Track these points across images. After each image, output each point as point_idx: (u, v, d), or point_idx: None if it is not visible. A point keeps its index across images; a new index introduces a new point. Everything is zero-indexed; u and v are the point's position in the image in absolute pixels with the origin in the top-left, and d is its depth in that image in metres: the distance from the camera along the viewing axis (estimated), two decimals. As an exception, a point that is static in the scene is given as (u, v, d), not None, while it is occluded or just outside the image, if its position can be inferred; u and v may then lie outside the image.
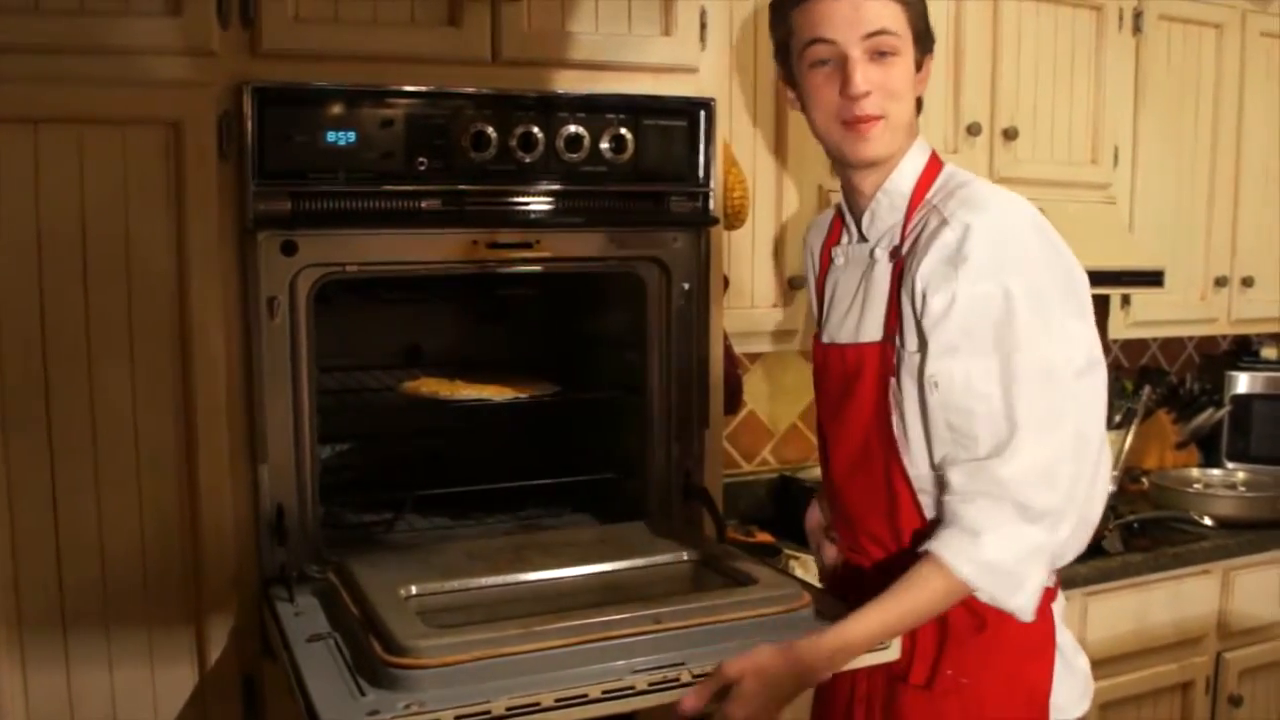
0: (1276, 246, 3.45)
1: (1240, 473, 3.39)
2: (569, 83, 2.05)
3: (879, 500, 1.72)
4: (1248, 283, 3.36)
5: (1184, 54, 3.21)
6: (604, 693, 1.51)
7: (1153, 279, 3.05)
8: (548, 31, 2.03)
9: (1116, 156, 3.12)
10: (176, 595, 1.88)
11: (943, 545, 1.56)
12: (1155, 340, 3.72)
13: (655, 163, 2.10)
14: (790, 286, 2.70)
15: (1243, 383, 3.54)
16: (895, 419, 1.67)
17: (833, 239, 1.86)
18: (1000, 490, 1.54)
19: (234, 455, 1.88)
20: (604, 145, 2.05)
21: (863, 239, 1.77)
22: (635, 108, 2.07)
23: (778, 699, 1.56)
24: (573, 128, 2.02)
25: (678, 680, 1.54)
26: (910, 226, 1.68)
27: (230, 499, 1.89)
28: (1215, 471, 3.43)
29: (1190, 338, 3.78)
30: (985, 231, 1.58)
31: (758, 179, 2.62)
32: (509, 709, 1.45)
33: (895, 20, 1.63)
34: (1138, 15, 3.09)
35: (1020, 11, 2.91)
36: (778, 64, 1.77)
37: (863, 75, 1.61)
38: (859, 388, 1.71)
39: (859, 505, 1.77)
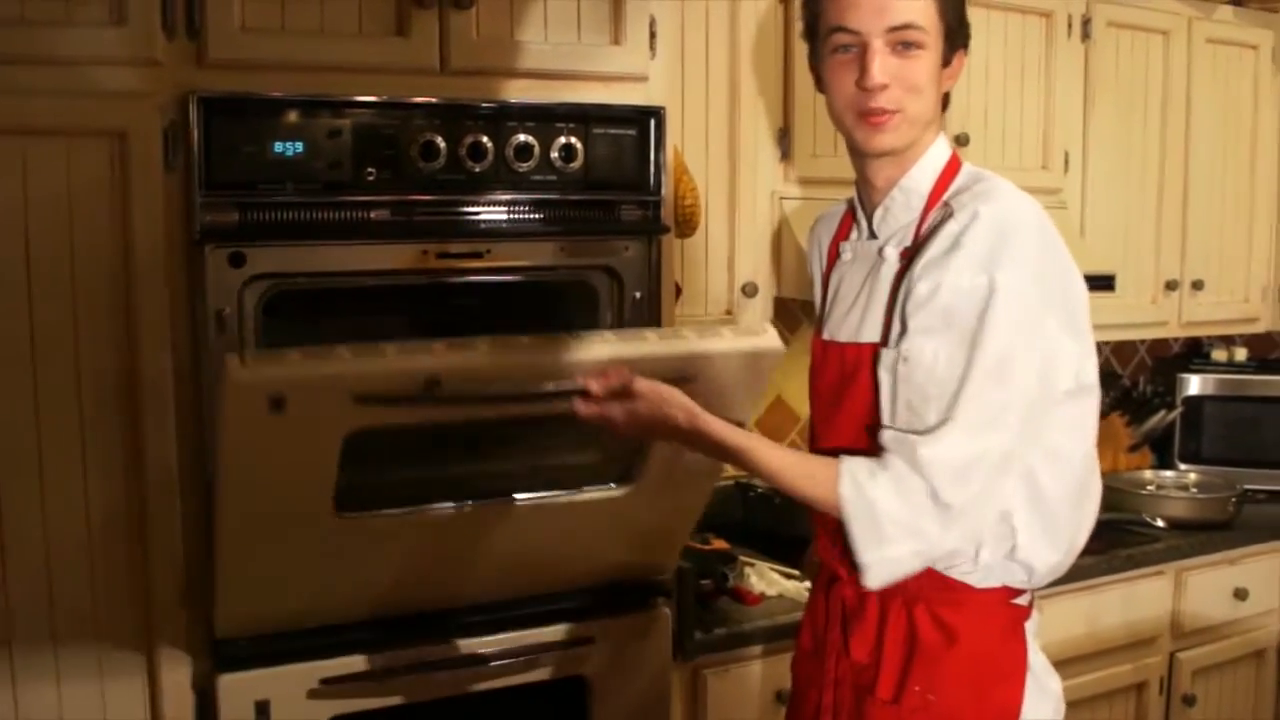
0: (1225, 249, 3.50)
1: (1192, 474, 3.43)
2: (518, 92, 2.05)
3: None
4: (1198, 286, 3.40)
5: (1132, 60, 3.25)
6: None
7: (1104, 283, 3.08)
8: (496, 41, 2.03)
9: (1067, 162, 3.15)
10: (125, 610, 1.87)
11: (851, 460, 1.58)
12: (1108, 344, 3.75)
13: (606, 171, 2.11)
14: (744, 293, 2.71)
15: (1194, 385, 3.58)
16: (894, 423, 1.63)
17: (842, 234, 1.82)
18: (915, 466, 1.54)
19: (183, 468, 1.87)
20: (554, 154, 2.05)
21: (872, 235, 1.73)
22: (585, 116, 2.08)
23: (650, 430, 1.66)
24: (522, 137, 2.02)
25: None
26: (925, 226, 1.64)
27: (179, 511, 1.87)
28: (1168, 473, 3.47)
29: (1142, 341, 3.82)
30: (988, 223, 1.55)
31: (710, 186, 2.63)
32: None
33: (924, 14, 1.59)
34: (1086, 22, 3.12)
35: (971, 17, 2.92)
36: (806, 44, 1.73)
37: (881, 67, 1.58)
38: (854, 389, 1.67)
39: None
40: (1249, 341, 3.84)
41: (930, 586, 1.67)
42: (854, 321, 1.71)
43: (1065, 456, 1.63)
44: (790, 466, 1.63)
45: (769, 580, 2.61)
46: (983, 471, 1.54)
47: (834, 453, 1.64)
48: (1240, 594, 3.11)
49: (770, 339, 1.85)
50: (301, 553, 1.83)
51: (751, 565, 2.66)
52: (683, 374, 1.74)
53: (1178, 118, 3.33)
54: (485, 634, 2.04)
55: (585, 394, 1.64)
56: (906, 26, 1.58)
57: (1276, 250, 3.60)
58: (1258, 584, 3.16)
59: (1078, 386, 1.61)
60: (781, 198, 2.73)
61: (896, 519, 1.55)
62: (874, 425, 1.63)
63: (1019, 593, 1.71)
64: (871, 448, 1.61)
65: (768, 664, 2.41)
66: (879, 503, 1.55)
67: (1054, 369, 1.58)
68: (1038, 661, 1.72)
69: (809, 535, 2.45)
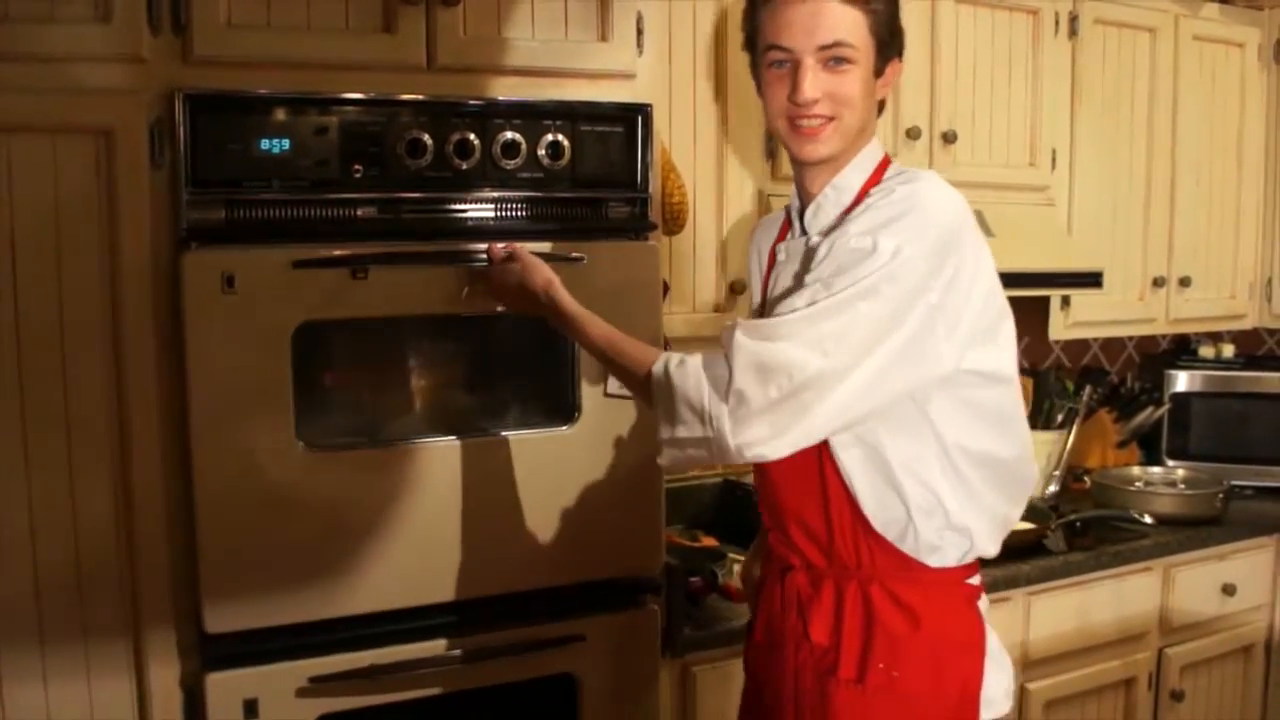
0: (1212, 247, 3.51)
1: (1180, 470, 3.43)
2: (505, 89, 2.05)
3: (811, 488, 1.74)
4: (1185, 283, 3.41)
5: (1119, 57, 3.25)
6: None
7: (1092, 280, 3.09)
8: (483, 38, 2.03)
9: (1054, 159, 3.15)
10: (113, 608, 1.86)
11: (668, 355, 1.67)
12: (1096, 340, 3.77)
13: (593, 169, 2.11)
14: (733, 291, 2.71)
15: (1182, 381, 3.59)
16: None
17: (780, 238, 1.87)
18: (727, 349, 1.59)
19: (168, 465, 1.87)
20: (541, 152, 2.05)
21: (804, 233, 1.78)
22: (572, 114, 2.08)
23: (519, 295, 1.91)
24: (509, 134, 2.02)
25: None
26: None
27: (165, 509, 1.87)
28: (1156, 469, 3.47)
29: (1130, 338, 3.83)
30: (898, 196, 1.60)
31: (698, 184, 2.63)
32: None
33: (854, 30, 1.65)
34: (1073, 19, 3.13)
35: (958, 15, 2.94)
36: (747, 54, 1.79)
37: (812, 83, 1.65)
38: None
39: (790, 494, 1.78)
40: (1236, 338, 3.85)
41: (887, 566, 1.71)
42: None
43: (973, 432, 1.68)
44: (615, 343, 1.76)
45: (757, 577, 2.60)
46: (788, 381, 1.54)
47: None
48: (1228, 589, 3.12)
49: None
50: (275, 501, 1.87)
51: (740, 561, 2.65)
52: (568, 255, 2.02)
53: (1164, 115, 3.34)
54: (474, 631, 2.04)
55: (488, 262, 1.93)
56: (836, 44, 1.64)
57: (1263, 247, 3.61)
58: (1245, 579, 3.16)
59: (963, 371, 1.63)
60: (769, 195, 2.73)
61: (691, 401, 1.60)
62: None
63: (971, 572, 1.77)
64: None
65: (757, 661, 2.41)
66: (679, 384, 1.61)
67: (924, 343, 1.58)
68: (992, 639, 1.77)
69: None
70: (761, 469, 1.82)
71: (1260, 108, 3.55)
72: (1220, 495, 3.15)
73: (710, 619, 2.40)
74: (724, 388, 1.57)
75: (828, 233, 1.68)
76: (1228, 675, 3.19)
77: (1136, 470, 3.45)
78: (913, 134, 2.89)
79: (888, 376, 1.57)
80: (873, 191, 1.68)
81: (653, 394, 1.66)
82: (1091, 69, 3.18)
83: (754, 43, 1.75)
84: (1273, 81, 3.55)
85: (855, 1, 1.65)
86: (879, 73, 1.71)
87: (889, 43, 1.71)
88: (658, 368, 1.65)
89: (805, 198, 1.79)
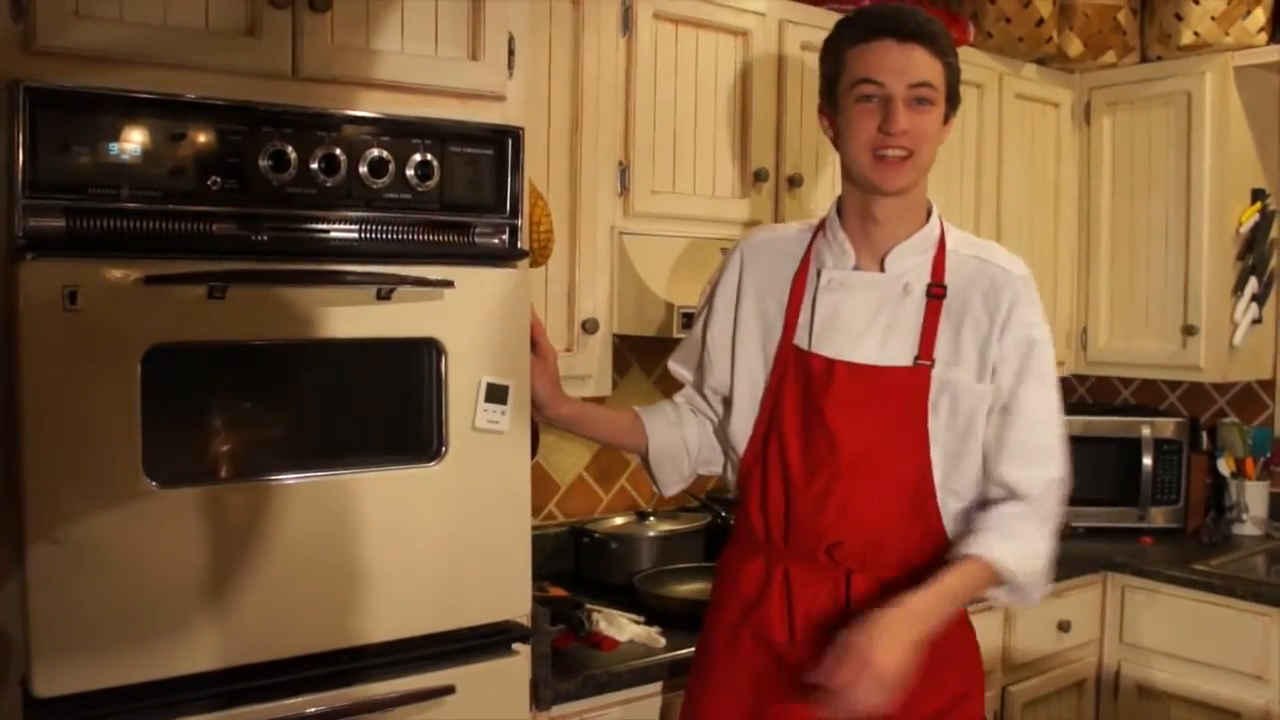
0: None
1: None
2: (373, 103, 1.93)
3: (905, 511, 1.97)
4: (1010, 330, 3.51)
5: (951, 111, 3.35)
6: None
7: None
8: (352, 47, 1.91)
9: (892, 209, 3.20)
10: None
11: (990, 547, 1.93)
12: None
13: (462, 192, 2.01)
14: (584, 330, 2.63)
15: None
16: (934, 436, 1.95)
17: (806, 261, 2.07)
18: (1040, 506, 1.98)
19: None
20: (410, 172, 1.94)
21: (880, 269, 2.01)
22: (442, 134, 1.97)
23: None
24: (377, 151, 1.90)
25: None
26: (947, 269, 1.99)
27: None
28: (988, 512, 3.53)
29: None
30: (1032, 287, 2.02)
31: (553, 218, 2.55)
32: None
33: (936, 75, 1.91)
34: (908, 72, 3.20)
35: (804, 62, 2.97)
36: (821, 95, 2.03)
37: (904, 115, 1.88)
38: (890, 405, 1.95)
39: (877, 519, 1.96)
40: (1052, 386, 3.99)
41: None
42: (872, 345, 1.97)
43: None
44: (958, 591, 1.89)
45: (619, 626, 2.51)
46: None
47: (860, 470, 1.95)
48: (1064, 626, 3.19)
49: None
50: (117, 544, 1.69)
51: (600, 612, 2.56)
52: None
53: (990, 169, 3.46)
54: (337, 686, 1.87)
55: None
56: (924, 85, 1.90)
57: (1077, 298, 3.77)
58: (1078, 616, 3.25)
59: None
60: (621, 233, 2.68)
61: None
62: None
63: None
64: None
65: (627, 710, 2.32)
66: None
67: None
68: None
69: (641, 584, 2.72)
70: (801, 489, 2.00)
71: (1073, 164, 3.72)
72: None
73: (578, 669, 2.29)
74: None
75: (940, 289, 1.98)
76: (1064, 711, 3.26)
77: (971, 513, 3.51)
78: (760, 176, 2.90)
79: None
80: (976, 255, 2.03)
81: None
82: (925, 120, 3.26)
83: (834, 81, 1.97)
84: (1082, 140, 3.73)
85: (938, 53, 1.91)
86: (945, 119, 1.96)
87: (955, 94, 1.97)
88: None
89: (869, 226, 2.01)
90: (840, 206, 2.09)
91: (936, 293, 1.97)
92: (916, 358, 1.95)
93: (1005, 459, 1.95)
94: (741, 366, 2.11)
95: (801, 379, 2.01)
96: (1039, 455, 1.96)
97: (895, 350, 1.96)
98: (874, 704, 1.71)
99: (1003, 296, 1.96)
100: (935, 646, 1.83)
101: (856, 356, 1.97)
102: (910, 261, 2.00)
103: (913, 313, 1.97)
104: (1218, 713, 3.09)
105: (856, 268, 2.02)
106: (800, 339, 2.03)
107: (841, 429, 1.95)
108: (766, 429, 2.05)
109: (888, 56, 1.88)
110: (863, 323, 1.98)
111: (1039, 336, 1.98)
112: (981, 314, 1.96)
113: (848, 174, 2.02)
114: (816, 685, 1.74)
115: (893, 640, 1.74)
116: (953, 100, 1.96)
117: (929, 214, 2.05)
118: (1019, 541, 1.90)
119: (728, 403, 2.16)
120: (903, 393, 1.95)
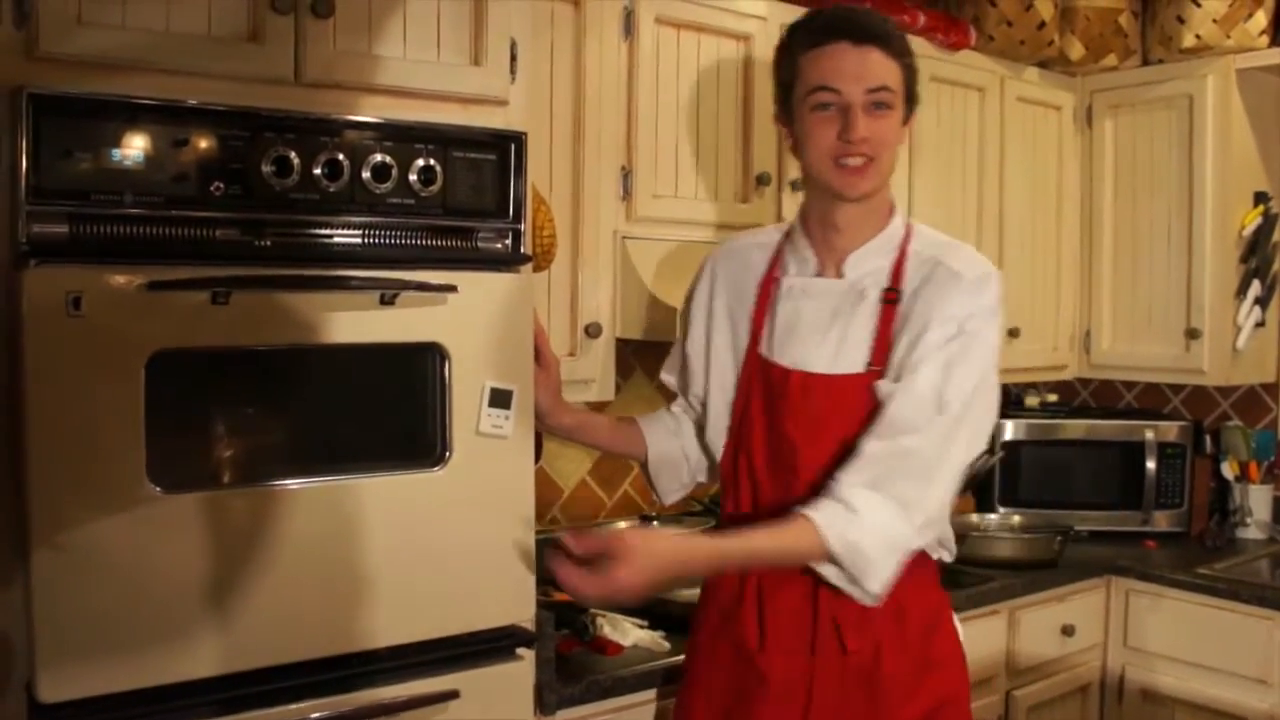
0: (1037, 299, 3.64)
1: (1015, 516, 3.52)
2: (376, 108, 1.93)
3: None
4: (1014, 334, 3.51)
5: (952, 115, 3.36)
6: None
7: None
8: (354, 54, 1.91)
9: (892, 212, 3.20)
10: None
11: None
12: (927, 392, 3.84)
13: (465, 197, 2.01)
14: (587, 335, 2.63)
15: (1010, 430, 3.69)
16: None
17: (774, 269, 2.04)
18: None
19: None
20: (413, 177, 1.94)
21: (838, 275, 1.97)
22: (445, 139, 1.97)
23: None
24: (380, 156, 1.90)
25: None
26: (905, 274, 1.92)
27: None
28: (992, 516, 3.55)
29: (959, 389, 3.92)
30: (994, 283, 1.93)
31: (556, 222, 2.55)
32: None
33: (894, 78, 1.87)
34: (910, 76, 3.21)
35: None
36: (776, 102, 1.99)
37: (863, 124, 1.83)
38: (846, 414, 1.89)
39: None
40: (1055, 387, 4.00)
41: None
42: (828, 352, 1.93)
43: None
44: (764, 551, 1.82)
45: (623, 631, 2.51)
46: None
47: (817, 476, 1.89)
48: (1068, 630, 3.19)
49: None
50: (122, 549, 1.68)
51: (604, 616, 2.55)
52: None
53: (993, 171, 3.47)
54: (342, 691, 1.87)
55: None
56: (882, 89, 1.85)
57: (1080, 301, 3.77)
58: (1082, 620, 3.25)
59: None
60: (624, 237, 2.68)
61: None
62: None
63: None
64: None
65: (632, 714, 2.33)
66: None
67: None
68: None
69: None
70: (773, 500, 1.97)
71: (1075, 167, 3.72)
72: (1059, 539, 3.23)
73: (582, 673, 2.29)
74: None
75: (896, 294, 1.92)
76: (1069, 715, 3.25)
77: (974, 517, 3.53)
78: (763, 180, 2.90)
79: None
80: (937, 257, 1.93)
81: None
82: (927, 125, 3.26)
83: (790, 88, 1.92)
84: (1084, 143, 3.73)
85: (895, 54, 1.87)
86: (904, 121, 1.92)
87: (913, 95, 1.93)
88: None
89: (831, 234, 1.97)
90: (803, 212, 2.07)
91: (890, 297, 1.92)
92: (869, 364, 1.90)
93: (872, 430, 1.85)
94: (715, 375, 2.11)
95: (764, 387, 1.99)
96: (903, 427, 1.82)
97: (850, 357, 1.92)
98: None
99: (946, 297, 1.87)
100: (919, 652, 1.83)
101: (811, 365, 1.94)
102: (870, 265, 1.95)
103: (867, 318, 1.92)
104: (1222, 717, 3.09)
105: (818, 274, 2.00)
106: (764, 347, 2.02)
107: (801, 439, 1.93)
108: (737, 438, 2.05)
109: (844, 61, 1.84)
110: (819, 330, 1.94)
111: (970, 329, 1.85)
112: (923, 315, 1.88)
113: (809, 180, 1.99)
114: (570, 553, 1.72)
115: (649, 568, 1.68)
116: (911, 101, 1.92)
117: (892, 216, 2.01)
118: (858, 516, 1.77)
119: (706, 410, 2.15)
120: (855, 400, 1.89)
